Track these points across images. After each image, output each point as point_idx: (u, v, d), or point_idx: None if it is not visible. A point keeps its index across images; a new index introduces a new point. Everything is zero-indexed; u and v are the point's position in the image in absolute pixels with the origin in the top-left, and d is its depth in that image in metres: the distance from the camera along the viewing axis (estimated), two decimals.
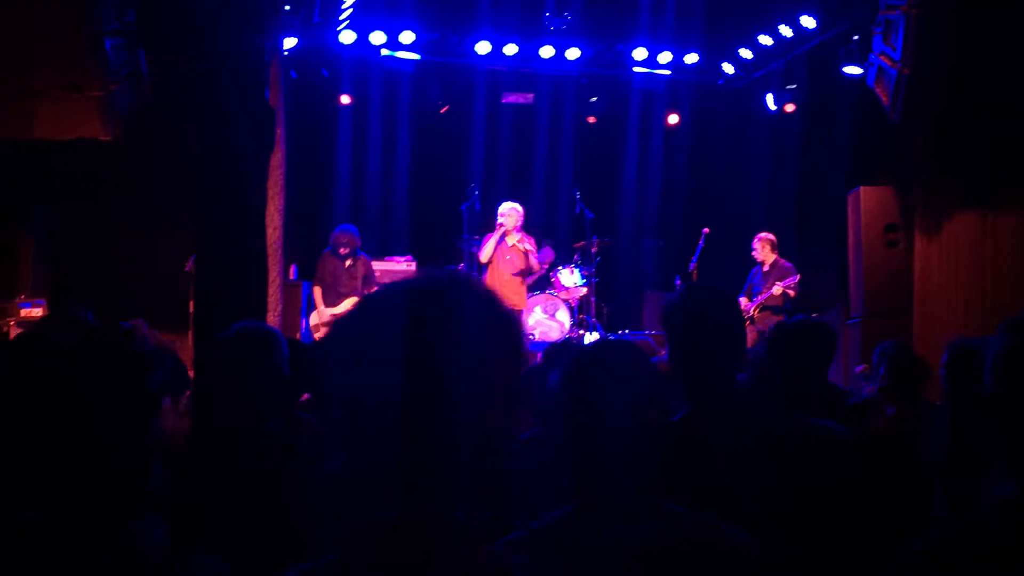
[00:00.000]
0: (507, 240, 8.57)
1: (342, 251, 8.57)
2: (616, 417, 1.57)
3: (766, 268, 9.08)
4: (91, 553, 1.27)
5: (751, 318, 8.83)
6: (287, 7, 8.88)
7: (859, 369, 6.45)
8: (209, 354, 2.35)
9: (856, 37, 8.39)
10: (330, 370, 1.02)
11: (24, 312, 7.30)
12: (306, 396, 4.61)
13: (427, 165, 11.11)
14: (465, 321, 1.00)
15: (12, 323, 7.04)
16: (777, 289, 8.73)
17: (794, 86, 10.01)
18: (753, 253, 9.18)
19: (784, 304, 8.78)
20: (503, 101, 11.22)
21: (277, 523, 2.29)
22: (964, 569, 1.30)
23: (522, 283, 8.74)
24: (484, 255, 8.58)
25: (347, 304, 8.52)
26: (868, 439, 3.29)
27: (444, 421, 0.97)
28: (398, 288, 1.03)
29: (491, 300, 1.05)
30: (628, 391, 1.59)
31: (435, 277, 1.03)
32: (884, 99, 7.38)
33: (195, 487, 2.47)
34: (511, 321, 1.06)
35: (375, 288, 8.81)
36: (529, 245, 8.81)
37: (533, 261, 8.80)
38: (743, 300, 8.99)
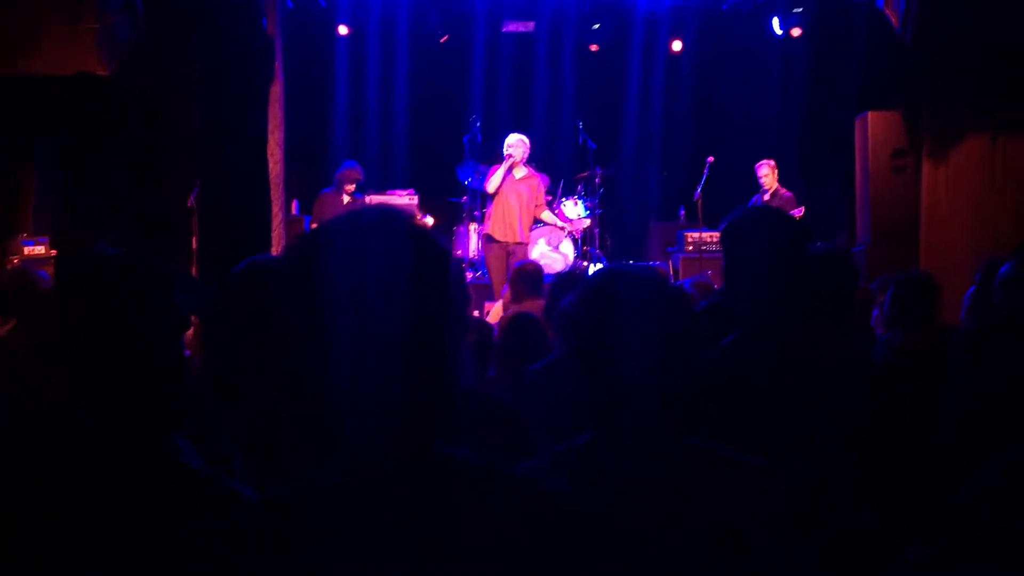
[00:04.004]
0: (514, 172, 8.47)
1: (348, 187, 8.47)
2: (635, 344, 1.45)
3: (767, 197, 8.99)
4: (137, 458, 1.33)
5: None
6: None
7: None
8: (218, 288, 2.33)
9: None
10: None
11: (27, 250, 7.29)
12: None
13: (427, 96, 10.95)
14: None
15: (15, 261, 7.02)
16: None
17: (800, 9, 9.81)
18: (761, 180, 9.09)
19: None
20: (504, 30, 11.02)
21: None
22: None
23: (528, 216, 8.65)
24: (491, 186, 8.47)
25: None
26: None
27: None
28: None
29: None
30: (647, 317, 1.46)
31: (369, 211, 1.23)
32: (894, 20, 7.23)
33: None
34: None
35: None
36: (540, 183, 8.69)
37: (542, 199, 8.71)
38: None
